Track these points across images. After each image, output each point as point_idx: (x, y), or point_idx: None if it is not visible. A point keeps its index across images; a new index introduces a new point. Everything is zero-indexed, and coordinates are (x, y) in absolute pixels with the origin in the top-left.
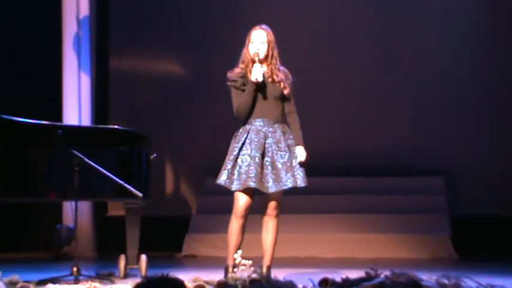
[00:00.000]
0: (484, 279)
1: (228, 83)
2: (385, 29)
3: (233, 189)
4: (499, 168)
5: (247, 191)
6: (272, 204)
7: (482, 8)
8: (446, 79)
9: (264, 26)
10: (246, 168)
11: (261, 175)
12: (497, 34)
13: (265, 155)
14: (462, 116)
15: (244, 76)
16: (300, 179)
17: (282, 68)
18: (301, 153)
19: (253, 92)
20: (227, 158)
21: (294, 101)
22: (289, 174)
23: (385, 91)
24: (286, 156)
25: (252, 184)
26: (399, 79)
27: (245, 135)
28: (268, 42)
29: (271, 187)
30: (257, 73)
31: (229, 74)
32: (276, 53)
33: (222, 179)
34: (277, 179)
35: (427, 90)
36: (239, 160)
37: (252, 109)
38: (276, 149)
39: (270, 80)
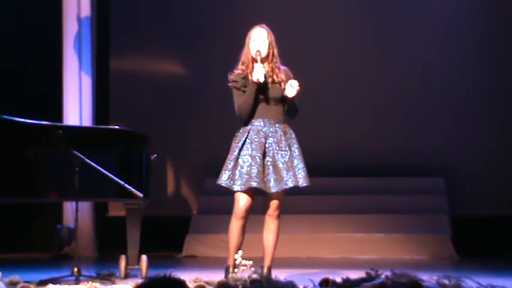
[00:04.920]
0: (485, 280)
1: (229, 84)
2: (386, 30)
3: (235, 189)
4: (499, 168)
5: (249, 191)
6: (273, 205)
7: (483, 9)
8: (447, 79)
9: (263, 25)
10: (248, 169)
11: (262, 175)
12: (498, 35)
13: (266, 155)
14: (463, 116)
15: (245, 77)
16: (302, 178)
17: (283, 67)
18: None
19: (254, 92)
20: (227, 158)
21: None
22: (290, 174)
23: (386, 91)
24: (287, 156)
25: (254, 184)
26: (400, 80)
27: (245, 136)
28: (269, 41)
29: (273, 187)
30: (258, 73)
31: (230, 76)
32: (276, 52)
33: (223, 179)
34: (278, 179)
35: (427, 91)
36: (240, 160)
37: (254, 109)
38: (277, 148)
39: (270, 80)
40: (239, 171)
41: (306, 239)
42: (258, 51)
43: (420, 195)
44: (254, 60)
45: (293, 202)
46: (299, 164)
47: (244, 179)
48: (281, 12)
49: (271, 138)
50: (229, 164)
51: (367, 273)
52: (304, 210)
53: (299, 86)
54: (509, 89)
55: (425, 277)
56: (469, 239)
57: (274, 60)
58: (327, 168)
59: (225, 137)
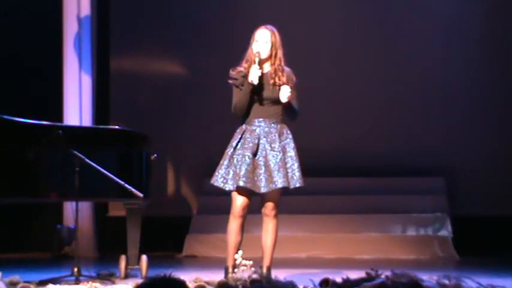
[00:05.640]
0: (485, 280)
1: (229, 81)
2: (386, 31)
3: (227, 189)
4: (499, 168)
5: (244, 190)
6: (269, 205)
7: (484, 9)
8: (447, 79)
9: (269, 26)
10: (239, 168)
11: (253, 174)
12: (498, 35)
13: (258, 155)
14: (463, 116)
15: (245, 75)
16: (294, 179)
17: (287, 68)
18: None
19: (249, 92)
20: (222, 158)
21: (298, 101)
22: (281, 174)
23: (386, 92)
24: (279, 157)
25: (241, 183)
26: (400, 80)
27: (240, 135)
28: (272, 42)
29: (264, 187)
30: (253, 75)
31: (232, 72)
32: (280, 53)
33: (216, 178)
34: (269, 179)
35: (427, 91)
36: (234, 160)
37: (250, 109)
38: (269, 149)
39: (272, 81)
40: (233, 170)
41: (306, 239)
42: (258, 52)
43: (420, 195)
44: (254, 61)
45: (293, 202)
46: (293, 165)
47: (235, 179)
48: (281, 12)
49: (265, 139)
50: (223, 163)
51: (367, 273)
52: (304, 210)
53: (290, 92)
54: (509, 89)
55: (425, 277)
56: (469, 239)
57: (278, 62)
58: (327, 168)
59: (225, 137)
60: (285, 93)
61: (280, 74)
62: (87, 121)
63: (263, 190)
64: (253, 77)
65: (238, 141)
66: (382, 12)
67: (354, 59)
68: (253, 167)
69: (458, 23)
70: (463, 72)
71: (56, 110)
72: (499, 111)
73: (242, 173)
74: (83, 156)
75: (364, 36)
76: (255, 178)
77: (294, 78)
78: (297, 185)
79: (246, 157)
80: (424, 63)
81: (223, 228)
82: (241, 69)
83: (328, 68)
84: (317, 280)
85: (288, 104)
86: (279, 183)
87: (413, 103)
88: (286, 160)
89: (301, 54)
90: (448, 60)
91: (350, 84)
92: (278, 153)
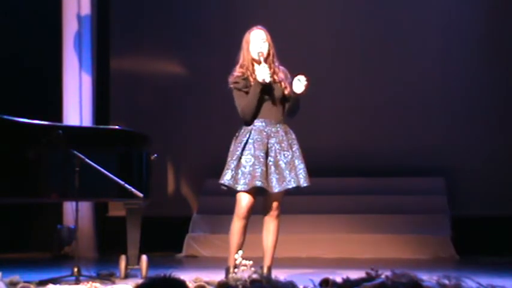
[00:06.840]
0: (485, 280)
1: (231, 86)
2: (386, 30)
3: (239, 189)
4: (499, 168)
5: (251, 191)
6: (273, 205)
7: (483, 9)
8: (447, 79)
9: (260, 26)
10: (251, 168)
11: (266, 174)
12: (498, 35)
13: (268, 155)
14: (463, 116)
15: (246, 78)
16: (302, 178)
17: (281, 67)
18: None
19: (258, 92)
20: (229, 158)
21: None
22: (292, 174)
23: (386, 92)
24: (289, 156)
25: (258, 183)
26: (400, 80)
27: (247, 135)
28: (269, 41)
29: (275, 186)
30: (264, 73)
31: (230, 79)
32: (274, 51)
33: (226, 178)
34: (280, 179)
35: (427, 91)
36: (243, 160)
37: (257, 110)
38: (279, 148)
39: (271, 80)
40: (241, 171)
41: (306, 239)
42: (261, 52)
43: (420, 195)
44: (256, 61)
45: (293, 202)
46: (300, 165)
47: (247, 179)
48: (281, 12)
49: (274, 138)
50: (231, 163)
51: (367, 273)
52: (304, 210)
53: (306, 81)
54: (509, 89)
55: (425, 277)
56: (469, 239)
57: (274, 60)
58: (327, 168)
59: (226, 137)
60: (302, 83)
61: (277, 70)
62: (87, 121)
63: (275, 190)
64: (265, 76)
65: (246, 142)
66: (382, 12)
67: (353, 59)
68: (265, 167)
69: (458, 23)
70: (463, 72)
71: (56, 110)
72: (499, 111)
73: (258, 173)
74: (83, 156)
75: (364, 36)
76: (267, 178)
77: (289, 75)
78: (305, 185)
79: (260, 157)
80: (424, 63)
81: (223, 228)
82: (239, 73)
83: (328, 68)
84: (317, 280)
85: (297, 98)
86: (292, 182)
87: (413, 103)
88: (293, 159)
89: (300, 54)
90: (448, 60)
91: (350, 84)
92: (288, 152)
